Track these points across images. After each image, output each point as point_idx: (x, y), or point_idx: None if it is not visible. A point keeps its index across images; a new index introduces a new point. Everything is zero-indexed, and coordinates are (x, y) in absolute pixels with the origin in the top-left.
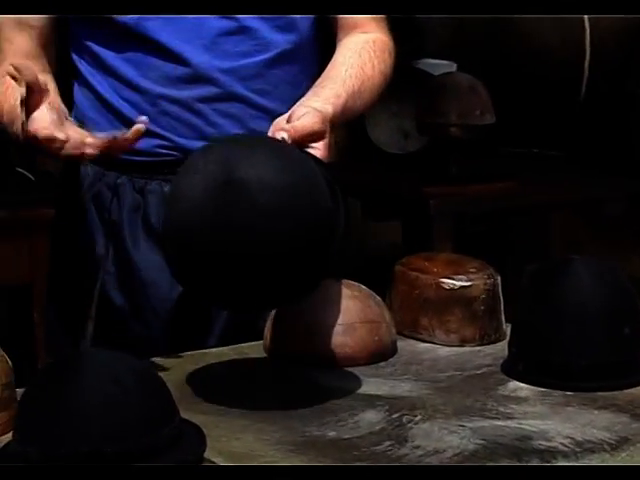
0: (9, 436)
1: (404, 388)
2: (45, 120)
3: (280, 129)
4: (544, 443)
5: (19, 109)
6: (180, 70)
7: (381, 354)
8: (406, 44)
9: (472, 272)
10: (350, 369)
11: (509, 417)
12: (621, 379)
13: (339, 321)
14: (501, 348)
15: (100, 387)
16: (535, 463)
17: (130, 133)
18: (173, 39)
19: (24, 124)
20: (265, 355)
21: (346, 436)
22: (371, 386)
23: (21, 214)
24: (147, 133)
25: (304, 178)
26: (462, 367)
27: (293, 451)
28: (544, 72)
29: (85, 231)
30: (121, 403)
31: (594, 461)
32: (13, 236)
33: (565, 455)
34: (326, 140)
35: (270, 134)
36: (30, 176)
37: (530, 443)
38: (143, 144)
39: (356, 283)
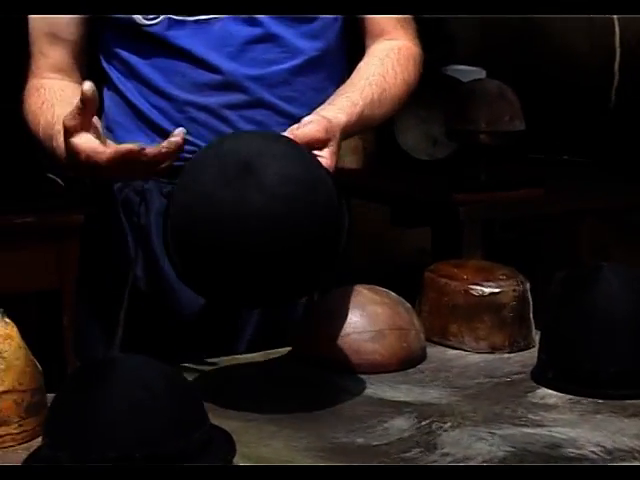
0: (39, 441)
1: (433, 395)
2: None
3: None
4: (574, 451)
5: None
6: (208, 77)
7: (410, 361)
8: (435, 50)
9: (502, 279)
10: (379, 376)
11: (538, 424)
12: None
13: (368, 327)
14: (530, 355)
15: (129, 392)
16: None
17: (169, 147)
18: (201, 47)
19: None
20: (294, 361)
21: (375, 443)
22: (400, 393)
23: (51, 219)
24: None
25: (319, 173)
26: (491, 374)
27: (322, 457)
28: (573, 78)
29: (114, 236)
30: (150, 408)
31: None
32: (43, 241)
33: (595, 463)
34: (331, 148)
35: None
36: (60, 182)
37: (560, 451)
38: None
39: (385, 289)
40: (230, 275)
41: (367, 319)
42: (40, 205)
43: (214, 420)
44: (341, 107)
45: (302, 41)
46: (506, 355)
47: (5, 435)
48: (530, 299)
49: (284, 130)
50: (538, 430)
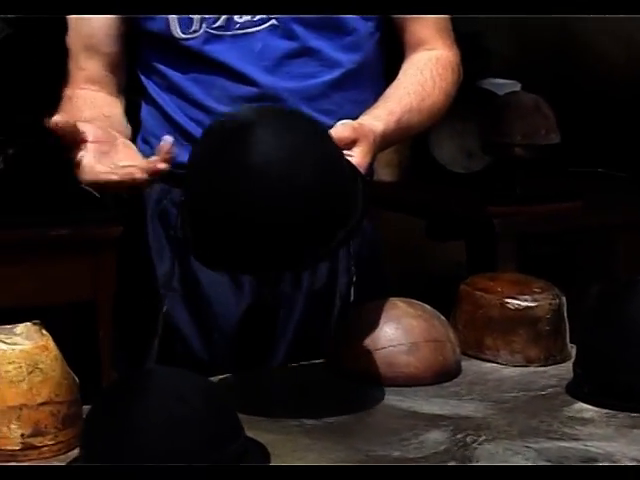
0: (76, 452)
1: (468, 408)
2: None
3: None
4: (610, 465)
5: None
6: (245, 90)
7: (445, 374)
8: (471, 64)
9: (537, 292)
10: (414, 388)
11: (574, 438)
12: None
13: (403, 340)
14: (566, 369)
15: (165, 405)
16: None
17: (159, 155)
18: (238, 61)
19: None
20: (329, 374)
21: (410, 456)
22: (435, 406)
23: (86, 232)
24: None
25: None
26: (527, 388)
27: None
28: (610, 90)
29: (152, 248)
30: (186, 421)
31: None
32: (78, 253)
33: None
34: (362, 147)
35: None
36: (95, 193)
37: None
38: None
39: (420, 302)
40: (237, 231)
41: (402, 332)
42: (75, 217)
43: (249, 432)
44: (378, 115)
45: (340, 54)
46: (542, 369)
47: (42, 446)
48: (565, 313)
49: None
50: (574, 444)
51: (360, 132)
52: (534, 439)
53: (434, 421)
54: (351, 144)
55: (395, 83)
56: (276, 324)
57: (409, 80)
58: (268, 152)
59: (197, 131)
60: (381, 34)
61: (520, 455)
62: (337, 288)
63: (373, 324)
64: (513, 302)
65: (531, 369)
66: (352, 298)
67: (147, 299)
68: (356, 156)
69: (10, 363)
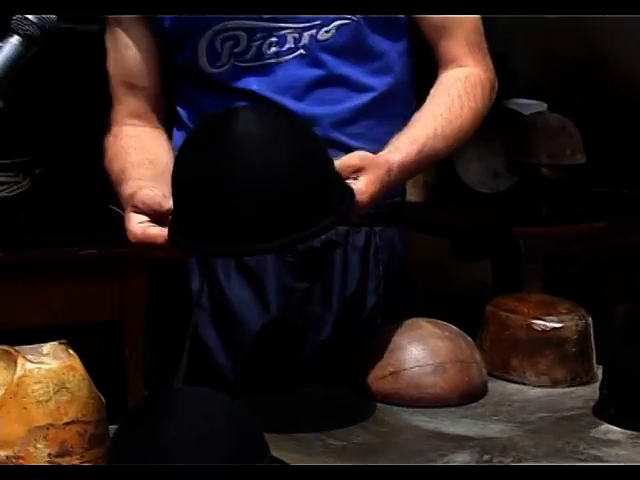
0: None
1: (495, 429)
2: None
3: None
4: None
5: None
6: None
7: (471, 395)
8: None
9: (564, 313)
10: (440, 409)
11: (601, 460)
12: None
13: (429, 361)
14: (592, 390)
15: (191, 425)
16: None
17: None
18: (267, 90)
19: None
20: (354, 394)
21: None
22: (461, 427)
23: (114, 252)
24: None
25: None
26: (553, 409)
27: None
28: (634, 111)
29: (181, 266)
30: (212, 440)
31: None
32: (106, 273)
33: None
34: (368, 176)
35: None
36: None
37: None
38: None
39: (446, 323)
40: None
41: (428, 352)
42: (103, 238)
43: (274, 452)
44: (398, 145)
45: (370, 78)
46: (568, 390)
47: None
48: (592, 334)
49: None
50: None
51: (368, 161)
52: (560, 460)
53: (460, 442)
54: (357, 172)
55: (423, 107)
56: (303, 344)
57: (436, 102)
58: (249, 128)
59: None
60: (411, 55)
61: None
62: (366, 309)
63: (399, 344)
64: (539, 323)
65: (557, 390)
66: (379, 319)
67: (177, 317)
68: (359, 182)
69: (37, 382)
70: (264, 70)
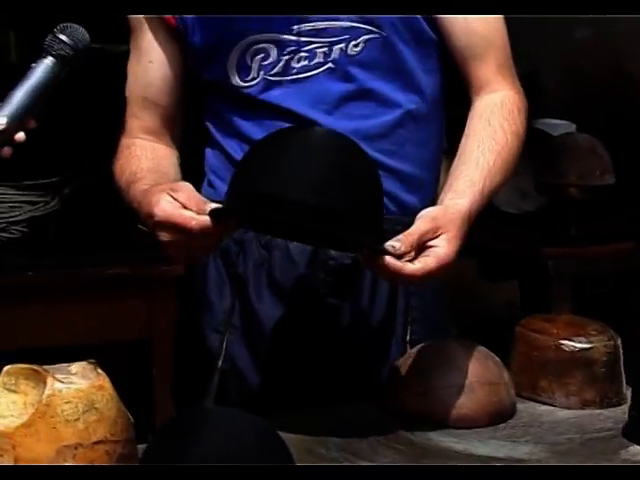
0: None
1: (523, 450)
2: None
3: (395, 239)
4: None
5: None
6: None
7: (500, 415)
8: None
9: (593, 334)
10: (468, 430)
11: None
12: None
13: (457, 381)
14: (622, 412)
15: (220, 445)
16: None
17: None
18: (298, 104)
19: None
20: (382, 414)
21: None
22: (490, 448)
23: (142, 271)
24: None
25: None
26: (582, 430)
27: None
28: None
29: (213, 285)
30: (240, 460)
31: None
32: (135, 292)
33: None
34: (446, 235)
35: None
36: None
37: None
38: None
39: (475, 343)
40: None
41: (456, 372)
42: (131, 257)
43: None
44: (461, 191)
45: (399, 94)
46: (597, 411)
47: None
48: (621, 354)
49: (386, 183)
50: None
51: (441, 220)
52: None
53: (489, 463)
54: (435, 234)
55: (466, 141)
56: (334, 363)
57: (480, 136)
58: (322, 141)
59: None
60: (441, 74)
61: None
62: (395, 329)
63: (427, 365)
64: (568, 344)
65: (586, 411)
66: (408, 338)
67: (207, 336)
68: (441, 246)
69: (66, 402)
70: (294, 84)
